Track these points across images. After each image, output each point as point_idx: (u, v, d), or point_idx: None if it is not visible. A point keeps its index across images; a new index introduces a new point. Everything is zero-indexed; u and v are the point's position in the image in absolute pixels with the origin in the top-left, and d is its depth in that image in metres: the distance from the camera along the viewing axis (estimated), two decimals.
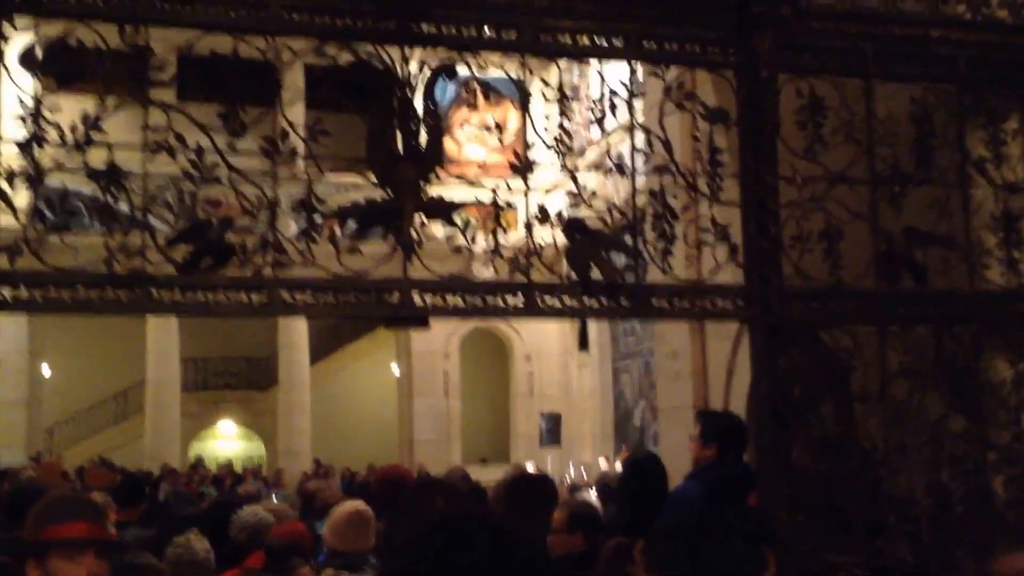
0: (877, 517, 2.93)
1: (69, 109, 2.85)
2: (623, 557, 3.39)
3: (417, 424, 24.47)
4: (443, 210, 2.97)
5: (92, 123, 2.83)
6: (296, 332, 25.27)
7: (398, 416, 25.76)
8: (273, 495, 10.03)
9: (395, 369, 26.76)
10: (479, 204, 3.00)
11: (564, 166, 2.98)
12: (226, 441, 30.14)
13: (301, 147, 2.97)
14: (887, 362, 3.00)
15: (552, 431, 22.31)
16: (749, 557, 2.69)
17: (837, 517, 2.91)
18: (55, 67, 2.89)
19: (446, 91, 2.95)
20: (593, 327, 22.15)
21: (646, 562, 2.71)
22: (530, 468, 16.81)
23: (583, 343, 23.32)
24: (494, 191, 2.98)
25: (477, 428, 25.84)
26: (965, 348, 3.06)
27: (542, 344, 24.91)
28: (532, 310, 2.91)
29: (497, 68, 3.07)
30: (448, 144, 23.19)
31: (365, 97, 3.02)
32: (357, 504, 4.33)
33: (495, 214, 2.99)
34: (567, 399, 24.12)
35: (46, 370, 26.21)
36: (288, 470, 21.16)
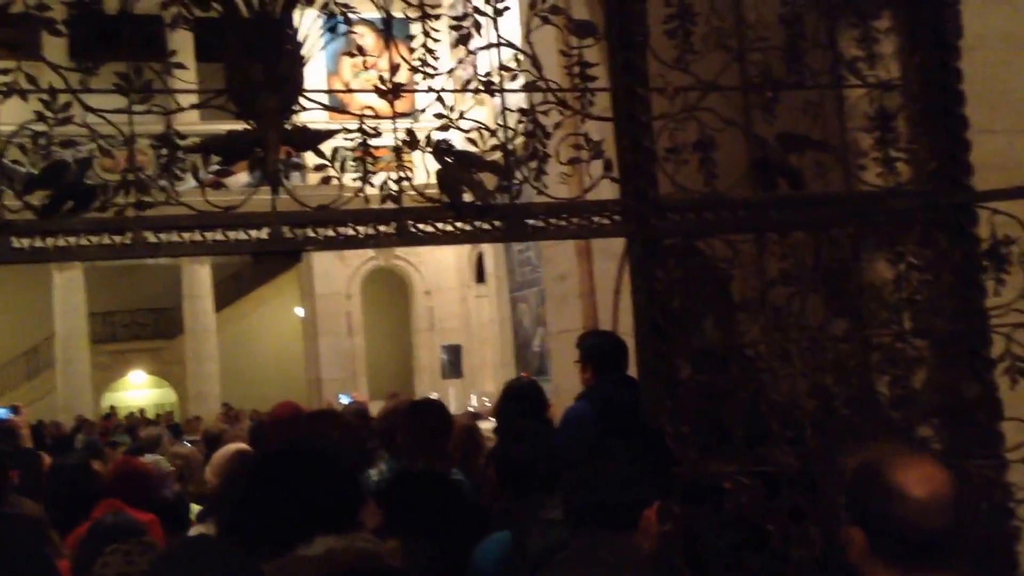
0: (760, 424, 2.98)
1: None
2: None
3: (323, 363, 25.36)
4: (309, 139, 2.94)
5: None
6: (199, 281, 26.19)
7: (304, 357, 26.49)
8: (184, 440, 10.23)
9: (299, 312, 27.33)
10: (346, 132, 2.96)
11: (430, 88, 2.95)
12: (137, 390, 30.85)
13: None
14: (766, 269, 3.04)
15: (454, 363, 22.87)
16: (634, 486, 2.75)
17: (720, 426, 2.96)
18: None
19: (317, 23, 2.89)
20: (489, 259, 22.63)
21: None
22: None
23: (480, 276, 23.79)
24: (360, 118, 2.95)
25: (382, 364, 26.75)
26: (843, 250, 3.11)
27: (440, 279, 25.89)
28: (404, 237, 2.91)
29: None
30: (338, 87, 23.20)
31: (221, 26, 2.96)
32: (238, 445, 4.34)
33: (363, 143, 2.96)
34: (467, 331, 24.92)
35: None
36: (201, 415, 21.79)
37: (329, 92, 3.16)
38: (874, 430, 3.07)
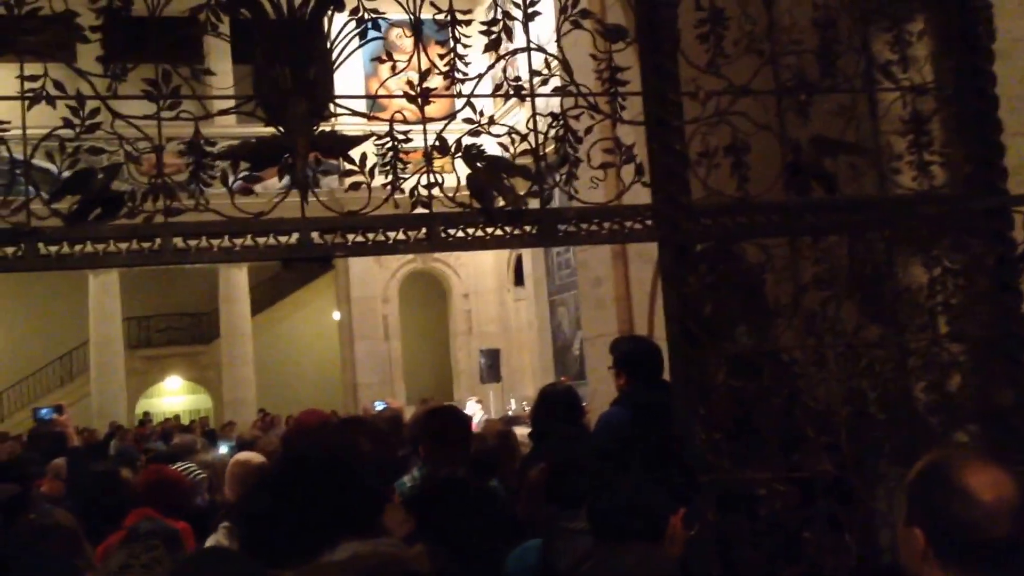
0: (795, 430, 2.92)
1: None
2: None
3: (360, 368, 24.80)
4: (338, 146, 2.88)
5: None
6: (236, 285, 25.56)
7: (340, 361, 26.02)
8: (222, 447, 10.08)
9: (336, 316, 26.88)
10: (376, 138, 2.90)
11: (460, 93, 2.89)
12: (173, 396, 30.18)
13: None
14: (800, 273, 2.97)
15: (492, 367, 22.48)
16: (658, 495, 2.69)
17: (755, 433, 2.89)
18: None
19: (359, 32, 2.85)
20: (528, 262, 22.35)
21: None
22: (471, 405, 17.05)
23: (519, 279, 23.45)
24: (391, 122, 2.89)
25: (419, 368, 26.23)
26: (878, 254, 3.04)
27: (479, 282, 25.32)
28: (435, 243, 2.85)
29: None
30: (374, 89, 23.03)
31: (251, 31, 2.91)
32: (240, 456, 4.29)
33: (393, 147, 2.90)
34: (506, 335, 24.45)
35: None
36: (236, 420, 21.34)
37: (358, 97, 3.10)
38: (910, 436, 3.00)
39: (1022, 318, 3.07)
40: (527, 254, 22.21)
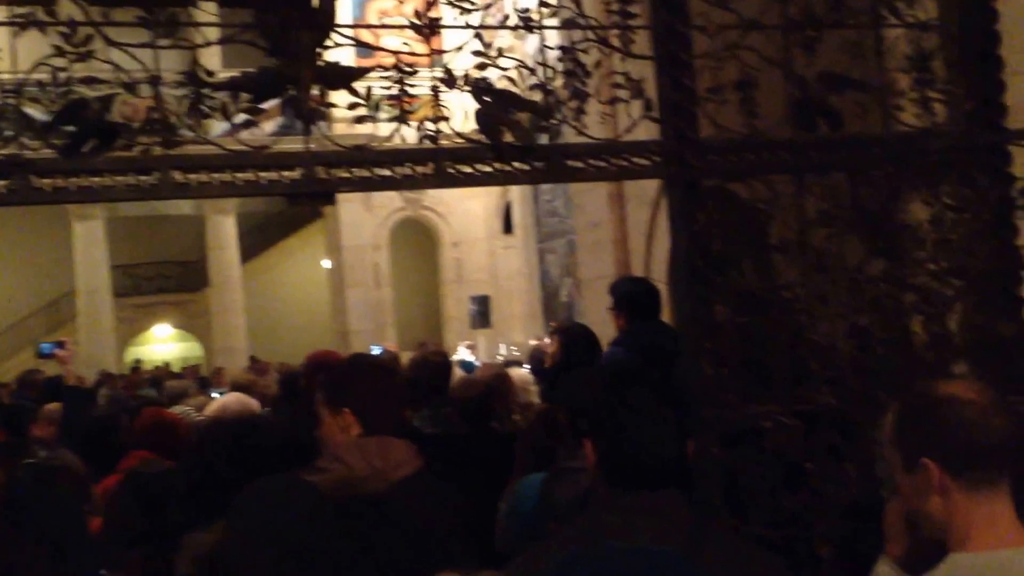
0: (799, 365, 2.76)
1: None
2: (550, 425, 3.19)
3: (351, 315, 24.21)
4: (343, 77, 2.63)
5: None
6: (224, 233, 24.69)
7: (332, 309, 25.40)
8: (213, 394, 9.70)
9: (326, 263, 26.25)
10: (381, 69, 2.65)
11: (468, 24, 2.65)
12: (163, 344, 29.26)
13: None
14: (805, 210, 2.79)
15: (482, 313, 22.09)
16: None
17: (760, 368, 2.73)
18: None
19: None
20: (517, 210, 21.96)
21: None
22: (463, 350, 16.87)
23: (507, 227, 23.09)
24: (396, 54, 2.64)
25: (410, 315, 25.67)
26: (881, 191, 2.87)
27: (468, 230, 24.74)
28: (442, 178, 2.63)
29: None
30: (365, 36, 22.38)
31: None
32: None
33: (399, 80, 2.65)
34: (495, 282, 24.00)
35: None
36: (227, 368, 20.67)
37: (364, 27, 2.85)
38: (910, 370, 2.85)
39: (1016, 251, 2.92)
40: (516, 202, 21.79)
